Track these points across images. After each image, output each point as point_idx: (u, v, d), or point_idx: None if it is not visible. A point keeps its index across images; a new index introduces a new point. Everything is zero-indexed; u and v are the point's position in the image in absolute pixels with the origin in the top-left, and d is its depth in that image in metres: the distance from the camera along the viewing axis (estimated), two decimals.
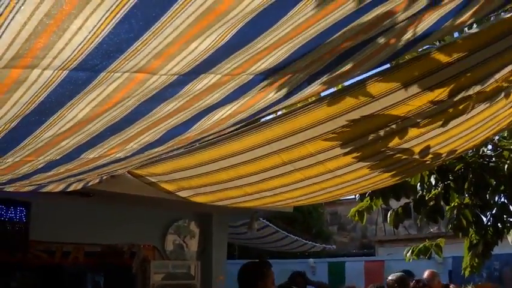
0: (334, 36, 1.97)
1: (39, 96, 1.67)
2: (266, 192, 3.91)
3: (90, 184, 3.58)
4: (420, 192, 5.17)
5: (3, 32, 1.28)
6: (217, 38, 1.66)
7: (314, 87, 2.41)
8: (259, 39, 1.77)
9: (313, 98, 2.90)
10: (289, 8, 1.66)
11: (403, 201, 5.15)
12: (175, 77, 1.82)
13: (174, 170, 3.61)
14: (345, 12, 1.80)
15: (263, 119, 3.03)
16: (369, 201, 5.13)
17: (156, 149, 2.65)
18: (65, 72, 1.55)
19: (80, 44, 1.42)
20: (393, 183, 4.20)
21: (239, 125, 2.70)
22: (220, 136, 2.94)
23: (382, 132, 3.19)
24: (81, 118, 1.93)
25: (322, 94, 2.87)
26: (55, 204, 6.57)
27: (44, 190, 3.33)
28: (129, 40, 1.49)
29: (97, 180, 3.58)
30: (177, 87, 1.92)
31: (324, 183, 3.73)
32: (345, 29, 1.93)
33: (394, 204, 5.26)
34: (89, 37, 1.40)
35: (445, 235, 6.36)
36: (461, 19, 2.27)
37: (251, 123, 2.90)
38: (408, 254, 5.67)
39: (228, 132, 2.90)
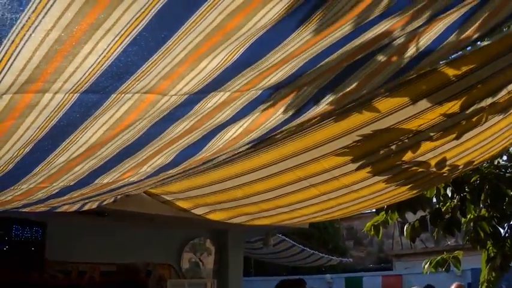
0: (336, 53, 1.97)
1: (52, 120, 1.68)
2: (282, 209, 3.90)
3: (105, 203, 3.59)
4: (436, 204, 5.14)
5: (15, 59, 1.30)
6: (227, 56, 1.67)
7: (321, 107, 2.41)
8: (268, 57, 1.78)
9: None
10: (297, 25, 1.67)
11: (419, 214, 5.11)
12: (186, 96, 1.83)
13: (189, 188, 3.61)
14: (344, 32, 1.81)
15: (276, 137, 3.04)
16: (385, 215, 5.10)
17: (169, 172, 2.66)
18: (76, 95, 1.56)
19: (90, 67, 1.43)
20: (410, 197, 4.17)
21: (252, 144, 2.70)
22: (234, 155, 2.94)
23: (394, 147, 3.18)
24: (94, 142, 1.94)
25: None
26: (71, 224, 6.59)
27: (58, 210, 3.34)
28: (138, 61, 1.51)
29: (112, 200, 3.58)
30: (187, 106, 1.93)
31: (340, 198, 3.71)
32: (345, 46, 1.94)
33: (410, 217, 5.23)
34: (99, 60, 1.42)
35: (463, 247, 6.31)
36: (466, 33, 2.26)
37: (264, 141, 2.90)
38: (426, 266, 5.62)
39: (242, 151, 2.90)
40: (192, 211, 4.08)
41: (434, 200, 5.13)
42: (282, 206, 3.84)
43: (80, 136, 1.87)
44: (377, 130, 3.00)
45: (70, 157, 2.04)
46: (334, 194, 3.65)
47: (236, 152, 2.84)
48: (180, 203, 3.93)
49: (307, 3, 1.59)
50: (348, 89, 2.33)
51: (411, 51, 2.24)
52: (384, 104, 2.84)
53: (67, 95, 1.55)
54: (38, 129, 1.72)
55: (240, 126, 2.33)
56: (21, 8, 1.17)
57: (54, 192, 2.52)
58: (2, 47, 1.26)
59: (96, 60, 1.42)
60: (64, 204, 3.20)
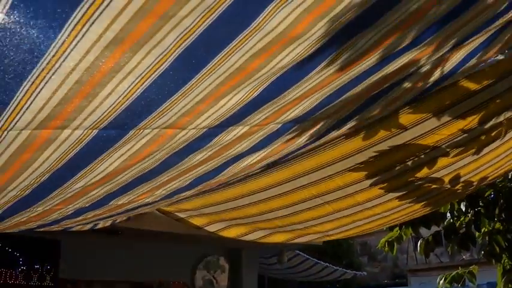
0: (359, 86, 1.97)
1: (69, 153, 1.69)
2: (296, 225, 3.89)
3: (118, 221, 3.60)
4: (450, 219, 5.11)
5: (35, 98, 1.32)
6: (246, 94, 1.69)
7: (341, 130, 2.42)
8: (288, 93, 1.79)
9: None
10: (318, 63, 1.68)
11: (433, 229, 5.09)
12: (205, 130, 1.84)
13: (204, 205, 3.61)
14: (369, 64, 1.81)
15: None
16: (399, 231, 5.08)
17: (184, 193, 2.66)
18: (94, 131, 1.58)
19: (110, 106, 1.45)
20: (424, 214, 4.15)
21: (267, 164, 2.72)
22: (248, 175, 2.95)
23: (410, 163, 3.17)
24: (111, 171, 1.95)
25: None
26: (84, 242, 6.61)
27: (72, 230, 3.35)
28: (159, 101, 1.52)
29: (125, 218, 3.60)
30: (206, 139, 1.94)
31: (354, 215, 3.69)
32: (370, 78, 1.94)
33: (425, 232, 5.20)
34: (119, 100, 1.44)
35: (478, 262, 6.26)
36: (488, 54, 2.27)
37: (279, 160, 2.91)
38: (441, 282, 5.58)
39: (257, 171, 2.91)
40: (206, 228, 4.07)
41: (448, 214, 5.10)
42: (297, 223, 3.83)
43: (98, 166, 1.88)
44: (393, 146, 3.00)
45: (87, 183, 2.05)
46: (348, 212, 3.63)
47: (251, 172, 2.85)
48: (194, 220, 3.93)
49: (329, 43, 1.60)
50: (370, 114, 2.34)
51: (436, 75, 2.25)
52: (401, 119, 2.84)
53: (86, 130, 1.56)
54: (56, 161, 1.73)
55: (258, 156, 2.34)
56: (42, 52, 1.19)
57: (69, 213, 2.53)
58: (22, 87, 1.27)
59: (116, 100, 1.43)
60: (78, 225, 3.22)
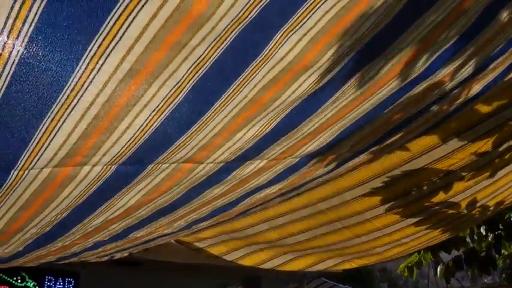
0: (379, 115, 1.98)
1: (89, 190, 1.71)
2: (316, 250, 3.87)
3: (135, 252, 3.61)
4: (470, 243, 5.08)
5: (55, 134, 1.32)
6: (262, 127, 1.70)
7: (360, 158, 2.43)
8: (304, 125, 1.80)
9: None
10: (332, 92, 1.70)
11: (453, 253, 5.06)
12: (222, 164, 1.85)
13: (222, 232, 3.62)
14: (389, 91, 1.82)
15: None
16: (418, 256, 5.05)
17: (202, 224, 2.68)
18: (113, 166, 1.59)
19: (129, 141, 1.46)
20: (443, 239, 4.12)
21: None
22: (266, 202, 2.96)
23: (426, 188, 3.17)
24: (131, 206, 1.97)
25: None
26: (104, 274, 6.61)
27: (90, 261, 3.36)
28: (175, 135, 1.54)
29: (142, 249, 3.61)
30: (224, 173, 1.95)
31: (374, 241, 3.68)
32: (391, 106, 1.94)
33: (444, 256, 5.17)
34: (136, 135, 1.45)
35: (500, 285, 6.21)
36: (508, 77, 2.28)
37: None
38: None
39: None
40: (225, 257, 4.07)
41: (468, 239, 5.08)
42: (316, 247, 3.82)
43: (117, 202, 1.90)
44: (408, 171, 3.00)
45: (107, 218, 2.06)
46: (366, 237, 3.63)
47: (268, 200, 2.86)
48: (212, 249, 3.93)
49: (340, 73, 1.61)
50: (393, 140, 2.36)
51: (461, 99, 2.27)
52: (416, 145, 2.85)
53: (105, 166, 1.57)
54: (76, 198, 1.75)
55: (276, 187, 2.35)
56: (61, 86, 1.19)
57: (88, 246, 2.55)
58: (42, 124, 1.28)
59: (134, 134, 1.45)
60: (96, 257, 3.23)
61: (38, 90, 1.18)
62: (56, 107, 1.24)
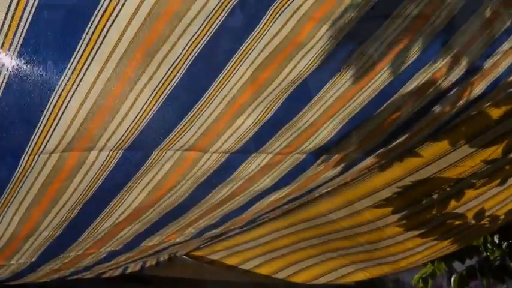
0: (379, 110, 2.00)
1: (98, 180, 1.73)
2: (330, 254, 3.84)
3: (147, 265, 3.62)
4: (484, 252, 5.05)
5: (61, 117, 1.36)
6: (261, 114, 1.73)
7: (368, 161, 2.44)
8: (305, 112, 1.82)
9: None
10: (330, 75, 1.73)
11: (467, 262, 5.03)
12: (227, 155, 1.86)
13: (236, 244, 3.63)
14: (381, 83, 1.85)
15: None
16: (432, 267, 5.03)
17: (213, 231, 2.69)
18: (120, 152, 1.61)
19: (132, 123, 1.50)
20: (456, 248, 4.10)
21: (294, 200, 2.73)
22: (277, 214, 2.97)
23: (437, 196, 3.17)
24: (137, 206, 1.98)
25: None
26: None
27: (104, 276, 3.37)
28: (176, 118, 1.57)
29: (154, 261, 3.61)
30: (229, 169, 1.96)
31: (386, 249, 3.68)
32: (388, 102, 1.97)
33: (458, 266, 5.14)
34: (139, 116, 1.48)
35: None
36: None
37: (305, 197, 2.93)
38: None
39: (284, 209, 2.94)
40: (240, 266, 4.06)
41: (482, 248, 5.05)
42: (328, 251, 3.80)
43: (124, 199, 1.91)
44: (419, 180, 3.01)
45: (115, 221, 2.08)
46: (379, 244, 3.62)
47: (279, 210, 2.87)
48: (227, 259, 3.93)
49: (335, 52, 1.63)
50: (398, 142, 2.37)
51: (463, 100, 2.28)
52: (426, 151, 2.85)
53: (111, 152, 1.60)
54: (85, 191, 1.77)
55: (283, 191, 2.36)
56: (63, 68, 1.25)
57: (101, 257, 2.56)
58: (47, 107, 1.32)
59: (137, 116, 1.48)
60: (110, 269, 3.24)
61: (40, 73, 1.24)
62: (59, 88, 1.29)
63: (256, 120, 1.75)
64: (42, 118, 1.35)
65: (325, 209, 3.25)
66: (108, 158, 1.62)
